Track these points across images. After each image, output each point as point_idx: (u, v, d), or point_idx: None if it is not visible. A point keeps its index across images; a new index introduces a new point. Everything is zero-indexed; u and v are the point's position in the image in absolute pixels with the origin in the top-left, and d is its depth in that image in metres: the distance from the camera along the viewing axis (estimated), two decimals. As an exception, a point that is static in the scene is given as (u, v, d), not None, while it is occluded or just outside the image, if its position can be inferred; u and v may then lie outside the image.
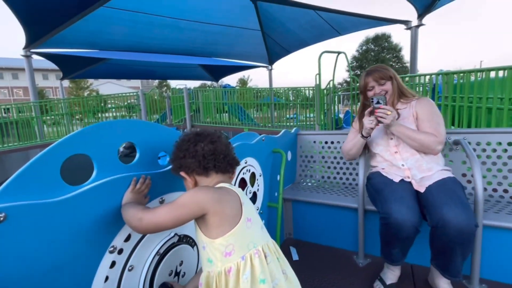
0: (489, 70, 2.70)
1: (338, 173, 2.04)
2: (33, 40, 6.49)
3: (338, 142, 2.04)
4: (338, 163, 2.04)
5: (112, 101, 8.54)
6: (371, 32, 27.31)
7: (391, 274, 1.34)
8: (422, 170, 1.33)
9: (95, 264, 0.68)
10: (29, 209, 0.54)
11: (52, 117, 7.51)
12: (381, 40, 27.38)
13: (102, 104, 8.10)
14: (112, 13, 6.05)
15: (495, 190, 1.54)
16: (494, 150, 1.54)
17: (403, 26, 5.87)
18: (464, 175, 1.60)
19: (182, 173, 0.76)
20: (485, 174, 1.55)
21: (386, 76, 1.41)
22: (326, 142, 2.09)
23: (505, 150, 1.51)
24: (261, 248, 0.66)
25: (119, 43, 7.84)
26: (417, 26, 5.62)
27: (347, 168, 2.01)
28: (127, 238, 0.76)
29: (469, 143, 1.58)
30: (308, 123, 6.35)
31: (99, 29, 6.75)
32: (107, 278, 0.71)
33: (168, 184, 0.90)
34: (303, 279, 1.48)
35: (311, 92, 5.94)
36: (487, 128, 1.63)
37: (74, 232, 0.62)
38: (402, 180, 1.33)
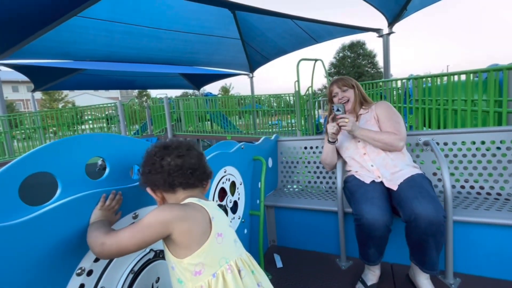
0: (453, 74, 2.89)
1: (318, 177, 2.07)
2: (0, 50, 6.16)
3: (317, 147, 2.08)
4: (318, 167, 2.08)
5: (89, 113, 8.22)
6: (347, 39, 28.52)
7: (372, 275, 1.37)
8: (389, 167, 1.41)
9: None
10: (-19, 234, 0.50)
11: (23, 131, 7.08)
12: (357, 47, 28.60)
13: (78, 116, 7.78)
14: (86, 23, 5.90)
15: (462, 186, 1.63)
16: (460, 149, 1.63)
17: (375, 34, 6.17)
18: (434, 174, 1.68)
19: (148, 189, 0.72)
20: (453, 172, 1.64)
21: (348, 84, 1.58)
22: (305, 148, 2.12)
23: (469, 149, 1.61)
24: (234, 263, 0.65)
25: (95, 53, 7.62)
26: (388, 34, 5.94)
27: (327, 172, 2.05)
28: (97, 258, 0.73)
29: (437, 143, 1.67)
30: (290, 128, 6.45)
31: (72, 39, 6.53)
32: (75, 302, 0.67)
33: (142, 199, 0.88)
34: (288, 286, 1.48)
35: (292, 98, 6.06)
36: (453, 129, 1.73)
37: (36, 256, 0.58)
38: (373, 181, 1.39)
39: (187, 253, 0.62)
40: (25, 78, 9.36)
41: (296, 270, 1.60)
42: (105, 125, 7.95)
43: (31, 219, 0.57)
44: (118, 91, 37.89)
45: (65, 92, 28.75)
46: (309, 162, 2.12)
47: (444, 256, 1.34)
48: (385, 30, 5.95)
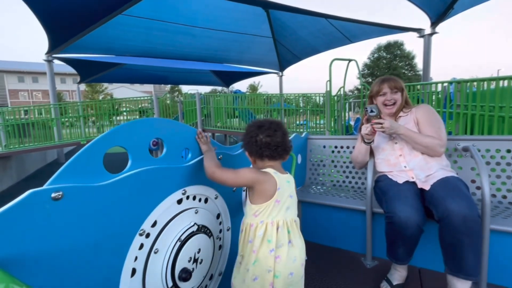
0: (500, 79, 2.70)
1: (347, 177, 2.08)
2: (55, 45, 6.84)
3: (348, 147, 2.09)
4: (347, 167, 2.09)
5: (126, 105, 8.82)
6: (383, 39, 27.25)
7: (398, 275, 1.38)
8: (424, 169, 1.39)
9: (127, 244, 0.76)
10: (80, 190, 0.63)
11: (69, 119, 7.81)
12: (394, 48, 27.21)
13: (116, 107, 8.38)
14: (129, 21, 6.33)
15: (504, 196, 1.55)
16: (504, 157, 1.56)
17: (416, 34, 5.88)
18: (473, 181, 1.62)
19: (246, 153, 1.00)
20: (494, 181, 1.57)
21: (399, 87, 1.52)
22: (336, 147, 2.14)
23: (515, 157, 1.53)
24: (276, 222, 0.90)
25: (134, 49, 8.15)
26: (430, 34, 5.62)
27: (356, 172, 2.05)
28: (154, 224, 0.85)
29: (478, 150, 1.61)
30: (318, 129, 6.38)
31: (116, 35, 7.06)
32: (136, 258, 0.79)
33: (190, 178, 0.99)
34: (312, 280, 1.52)
35: (321, 98, 5.99)
36: (497, 136, 1.65)
37: (113, 213, 0.71)
38: (406, 181, 1.38)
39: (256, 201, 0.92)
40: (72, 71, 10.27)
41: (321, 265, 1.64)
42: (138, 117, 8.47)
43: (112, 183, 0.70)
44: (152, 85, 39.92)
45: (105, 84, 30.97)
46: (338, 161, 2.13)
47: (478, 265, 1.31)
48: (427, 30, 5.64)
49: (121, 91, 33.10)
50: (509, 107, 2.59)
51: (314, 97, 6.25)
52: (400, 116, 1.54)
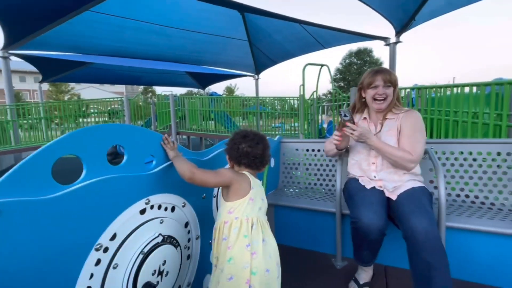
0: (456, 86, 2.95)
1: (319, 179, 2.13)
2: (12, 41, 6.28)
3: (319, 150, 2.14)
4: (318, 170, 2.14)
5: (95, 106, 8.33)
6: (354, 46, 28.57)
7: (365, 274, 1.43)
8: (393, 181, 1.39)
9: (81, 260, 0.70)
10: (21, 205, 0.57)
11: (29, 121, 7.20)
12: (363, 54, 28.66)
13: (83, 109, 7.88)
14: (98, 18, 6.01)
15: (458, 195, 1.68)
16: (457, 159, 1.69)
17: (382, 42, 6.24)
18: (431, 181, 1.74)
19: (227, 156, 1.06)
20: (449, 181, 1.69)
21: (393, 81, 1.40)
22: (308, 150, 2.19)
23: (466, 159, 1.66)
24: (251, 219, 0.94)
25: (104, 48, 7.74)
26: (395, 43, 6.00)
27: (327, 175, 2.11)
28: (113, 237, 0.79)
29: (436, 152, 1.73)
30: (293, 132, 6.51)
31: (83, 33, 6.65)
32: (92, 275, 0.74)
33: (154, 187, 0.94)
34: (284, 283, 1.53)
35: (296, 102, 6.12)
36: (451, 139, 1.79)
37: (63, 229, 0.65)
38: (374, 188, 1.41)
39: (231, 199, 0.96)
40: (32, 69, 9.48)
41: (293, 268, 1.66)
42: (107, 119, 8.04)
43: (62, 195, 0.64)
44: (124, 86, 38.18)
45: (72, 84, 29.01)
46: (310, 165, 2.18)
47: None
48: (393, 39, 6.01)
49: (89, 91, 31.20)
50: (462, 112, 2.83)
51: (289, 100, 6.36)
52: (386, 119, 1.46)
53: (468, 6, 4.93)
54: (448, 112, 3.00)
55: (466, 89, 2.86)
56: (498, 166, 1.59)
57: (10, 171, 0.58)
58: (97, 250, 0.74)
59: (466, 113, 2.81)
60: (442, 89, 3.10)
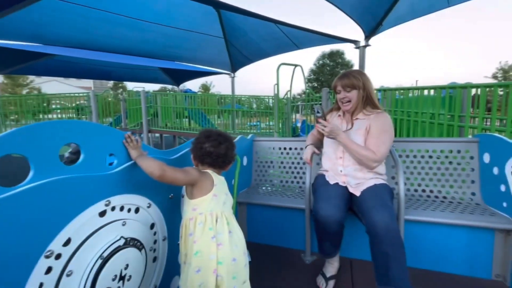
0: (416, 88, 3.17)
1: (290, 177, 2.18)
2: (-42, 27, 5.61)
3: (290, 148, 2.18)
4: (290, 168, 2.18)
5: (58, 102, 7.74)
6: (327, 48, 29.54)
7: (331, 267, 1.49)
8: (357, 178, 1.46)
9: (28, 269, 0.65)
10: (-49, 211, 0.51)
11: (-20, 116, 6.51)
12: (336, 56, 29.73)
13: (44, 104, 7.29)
14: (61, 6, 5.56)
15: (416, 190, 1.81)
16: (415, 156, 1.82)
17: (353, 45, 6.51)
18: (393, 177, 1.85)
19: (191, 155, 1.10)
20: (408, 177, 1.82)
21: (353, 85, 1.45)
22: (280, 148, 2.22)
23: (423, 157, 1.80)
24: (215, 213, 0.97)
25: (68, 39, 7.19)
26: (364, 46, 6.29)
27: (298, 173, 2.16)
28: (67, 242, 0.74)
29: (397, 150, 1.85)
30: (269, 130, 6.57)
31: (44, 22, 6.12)
32: (41, 284, 0.68)
33: (115, 187, 0.90)
34: (255, 280, 1.54)
35: (271, 100, 6.19)
36: (409, 138, 1.92)
37: (6, 236, 0.59)
38: (337, 183, 1.48)
39: (195, 196, 0.99)
40: (-15, 59, 8.55)
41: (264, 264, 1.67)
42: (74, 115, 7.53)
43: (5, 198, 0.59)
44: (92, 80, 35.87)
45: (31, 77, 26.62)
46: (282, 163, 2.21)
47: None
48: (362, 42, 6.30)
49: (52, 85, 28.85)
50: (421, 113, 3.06)
51: (264, 99, 6.41)
52: (357, 119, 1.51)
53: (430, 14, 5.32)
54: (410, 113, 3.23)
55: (426, 92, 3.09)
56: (450, 162, 1.74)
57: None
58: (47, 257, 0.69)
59: (425, 114, 3.03)
60: (405, 91, 3.31)
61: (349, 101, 1.48)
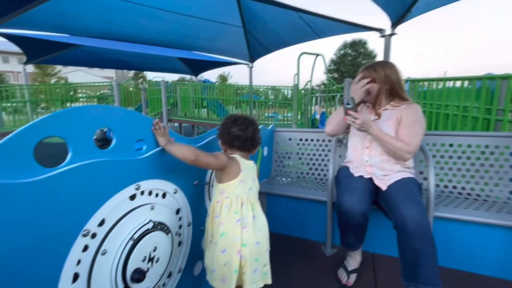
0: (448, 79, 2.97)
1: (311, 169, 2.14)
2: (-7, 18, 5.92)
3: (312, 140, 2.14)
4: (311, 159, 2.14)
5: (83, 91, 8.07)
6: (349, 37, 28.43)
7: (353, 261, 1.47)
8: (383, 169, 1.41)
9: (66, 247, 0.68)
10: (1, 188, 0.54)
11: (13, 104, 6.93)
12: (358, 46, 28.56)
13: (71, 93, 7.62)
14: (86, -3, 5.71)
15: (446, 186, 1.72)
16: (447, 151, 1.72)
17: (378, 34, 6.20)
18: (421, 172, 1.77)
19: (219, 141, 1.12)
20: (438, 172, 1.73)
21: (376, 78, 1.41)
22: (301, 140, 2.18)
23: (456, 151, 1.69)
24: (241, 198, 1.01)
25: (92, 29, 7.38)
26: (390, 35, 5.96)
27: (319, 165, 2.12)
28: (101, 223, 0.77)
29: (427, 144, 1.75)
30: (286, 122, 6.49)
31: (71, 13, 6.30)
32: (79, 261, 0.71)
33: (144, 172, 0.92)
34: (274, 270, 1.55)
35: (289, 91, 6.08)
36: (442, 131, 1.81)
37: (47, 214, 0.62)
38: (361, 176, 1.44)
39: (223, 181, 1.02)
40: (16, 49, 9.02)
41: (284, 255, 1.68)
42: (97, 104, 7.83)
43: (45, 178, 0.61)
44: (114, 70, 36.96)
45: (58, 67, 27.89)
46: (302, 154, 2.18)
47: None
48: (388, 31, 5.97)
49: (77, 75, 30.11)
50: (452, 106, 2.88)
51: (283, 90, 6.31)
52: (386, 109, 1.46)
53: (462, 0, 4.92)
54: (439, 106, 3.04)
55: (458, 83, 2.89)
56: (486, 159, 1.63)
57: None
58: (84, 236, 0.72)
59: (456, 107, 2.85)
60: (435, 83, 3.12)
61: (369, 93, 1.45)
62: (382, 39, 6.15)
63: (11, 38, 7.29)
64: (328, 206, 1.64)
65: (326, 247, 1.71)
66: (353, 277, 1.42)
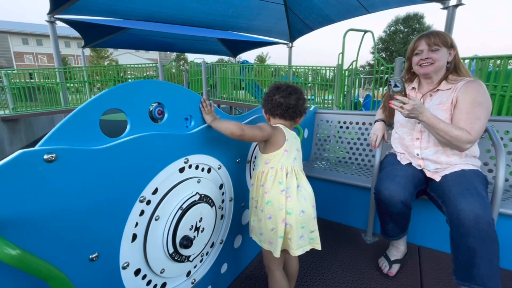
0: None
1: (354, 154, 2.04)
2: (57, 5, 6.55)
3: (357, 123, 2.01)
4: (355, 143, 2.03)
5: (131, 72, 8.66)
6: (402, 11, 25.47)
7: (396, 251, 1.39)
8: (437, 163, 1.24)
9: (127, 210, 0.75)
10: (75, 153, 0.60)
11: (75, 84, 7.74)
12: (412, 21, 25.53)
13: (121, 75, 8.24)
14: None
15: (516, 180, 1.50)
16: (521, 140, 1.48)
17: (439, 5, 5.41)
18: (486, 163, 1.56)
19: (263, 110, 1.11)
20: (509, 164, 1.51)
21: (443, 42, 1.17)
22: (344, 122, 2.07)
23: (535, 141, 1.45)
24: (285, 168, 0.99)
25: (139, 12, 7.77)
26: (455, 6, 5.16)
27: (363, 149, 2.00)
28: (155, 191, 0.83)
29: (497, 131, 1.52)
30: (325, 105, 6.21)
31: (121, -3, 6.68)
32: (137, 224, 0.78)
33: (193, 146, 0.95)
34: (312, 254, 1.54)
35: (330, 73, 5.75)
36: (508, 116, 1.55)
37: (110, 179, 0.68)
38: (409, 164, 1.31)
39: (267, 151, 1.01)
40: (76, 34, 9.92)
41: (323, 240, 1.66)
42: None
43: (110, 147, 0.67)
44: (157, 53, 38.89)
45: (110, 50, 30.22)
46: (345, 138, 2.07)
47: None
48: (453, 1, 5.18)
49: (126, 57, 32.38)
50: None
51: (323, 70, 5.99)
52: (438, 90, 1.23)
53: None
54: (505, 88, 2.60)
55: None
56: None
57: (62, 121, 0.60)
58: (141, 201, 0.78)
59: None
60: (505, 62, 2.66)
61: (432, 63, 1.20)
62: (444, 12, 5.39)
63: (70, 23, 8.03)
64: (371, 193, 1.55)
65: (366, 235, 1.65)
66: (396, 267, 1.36)
